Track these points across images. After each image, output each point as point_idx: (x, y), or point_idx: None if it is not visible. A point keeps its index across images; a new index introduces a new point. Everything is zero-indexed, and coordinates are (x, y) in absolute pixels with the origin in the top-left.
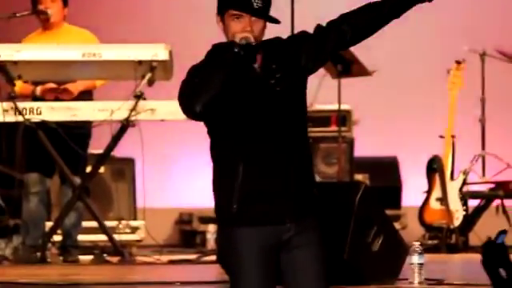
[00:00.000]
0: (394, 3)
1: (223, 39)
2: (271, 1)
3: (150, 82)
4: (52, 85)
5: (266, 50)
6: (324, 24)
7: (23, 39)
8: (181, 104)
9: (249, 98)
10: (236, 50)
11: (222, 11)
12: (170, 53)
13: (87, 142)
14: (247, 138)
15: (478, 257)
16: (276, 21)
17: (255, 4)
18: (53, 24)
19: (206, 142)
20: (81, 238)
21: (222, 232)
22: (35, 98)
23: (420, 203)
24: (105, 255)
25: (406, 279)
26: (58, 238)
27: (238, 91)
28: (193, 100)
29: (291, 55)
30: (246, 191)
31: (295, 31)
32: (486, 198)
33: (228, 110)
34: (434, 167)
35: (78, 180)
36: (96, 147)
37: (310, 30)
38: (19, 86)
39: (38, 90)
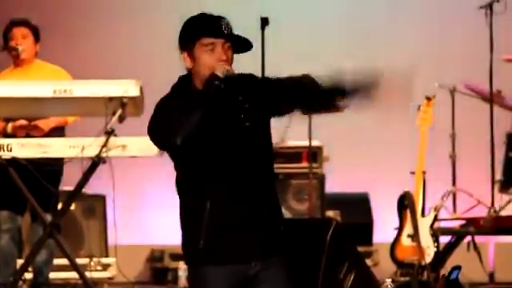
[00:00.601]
0: (318, 98)
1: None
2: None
3: (121, 119)
4: (23, 121)
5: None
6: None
7: None
8: (157, 137)
9: (218, 132)
10: (217, 83)
11: (189, 45)
12: (141, 89)
13: (59, 178)
14: (215, 173)
15: None
16: (249, 44)
17: (225, 30)
18: (24, 60)
19: None
20: (52, 275)
21: (190, 271)
22: (6, 135)
23: (391, 240)
24: None
25: None
26: (29, 275)
27: (208, 125)
28: (173, 133)
29: (258, 94)
30: (212, 228)
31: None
32: (457, 235)
33: (196, 144)
34: (405, 203)
35: (49, 217)
36: (67, 184)
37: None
38: None
39: (9, 126)
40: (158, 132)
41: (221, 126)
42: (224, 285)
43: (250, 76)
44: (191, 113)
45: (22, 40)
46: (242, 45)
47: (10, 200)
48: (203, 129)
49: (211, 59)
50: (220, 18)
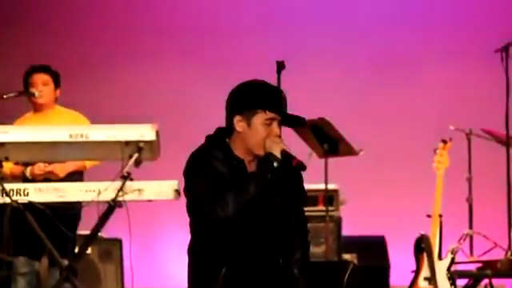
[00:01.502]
0: None
1: (209, 118)
2: None
3: (137, 163)
4: (41, 165)
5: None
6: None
7: (15, 121)
8: (208, 208)
9: (247, 209)
10: (275, 165)
11: (249, 112)
12: (157, 133)
13: (76, 223)
14: (234, 242)
15: None
16: (300, 121)
17: (284, 108)
18: (43, 106)
19: None
20: None
21: None
22: (25, 179)
23: (408, 283)
24: None
25: None
26: None
27: None
28: (228, 210)
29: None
30: None
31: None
32: (475, 278)
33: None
34: (421, 247)
35: (66, 262)
36: (83, 228)
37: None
38: (9, 167)
39: (28, 171)
40: (211, 203)
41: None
42: None
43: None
44: (248, 194)
45: (43, 87)
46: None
47: (26, 245)
48: None
49: (266, 132)
50: (281, 94)
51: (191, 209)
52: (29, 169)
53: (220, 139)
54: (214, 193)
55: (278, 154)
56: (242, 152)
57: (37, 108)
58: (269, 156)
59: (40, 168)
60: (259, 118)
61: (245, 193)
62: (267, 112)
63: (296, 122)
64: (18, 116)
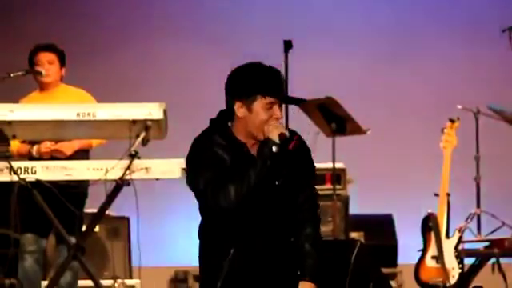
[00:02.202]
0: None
1: (217, 98)
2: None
3: (145, 141)
4: (47, 143)
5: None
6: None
7: (21, 99)
8: (211, 197)
9: (254, 190)
10: (274, 151)
11: (249, 97)
12: (165, 112)
13: (84, 201)
14: (243, 224)
15: None
16: (299, 101)
17: (284, 92)
18: (49, 84)
19: None
20: None
21: None
22: (32, 158)
23: (416, 261)
24: None
25: None
26: None
27: None
28: (231, 199)
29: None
30: (231, 274)
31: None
32: (482, 257)
33: None
34: (429, 225)
35: (73, 239)
36: (91, 206)
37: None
38: (16, 146)
39: (34, 149)
40: (213, 194)
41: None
42: None
43: (302, 145)
44: (250, 182)
45: (48, 65)
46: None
47: (34, 223)
48: None
49: (267, 115)
50: (279, 75)
51: (196, 197)
52: (35, 147)
53: (222, 124)
54: (216, 183)
55: (276, 138)
56: (244, 136)
57: (43, 87)
58: (267, 142)
59: (46, 146)
60: (259, 104)
61: (246, 182)
62: (267, 97)
63: (297, 101)
64: (23, 95)
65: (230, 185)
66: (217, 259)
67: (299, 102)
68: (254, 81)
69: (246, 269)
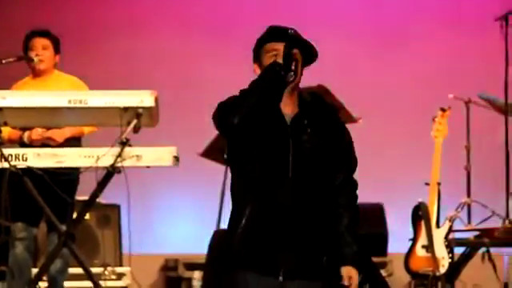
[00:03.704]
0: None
1: (209, 86)
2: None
3: (136, 129)
4: (39, 130)
5: (303, 107)
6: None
7: (13, 85)
8: (217, 117)
9: (275, 145)
10: (277, 69)
11: (258, 55)
12: (156, 99)
13: (74, 188)
14: (261, 183)
15: None
16: (312, 54)
17: (290, 31)
18: (42, 71)
19: (192, 188)
20: (67, 284)
21: (223, 277)
22: (23, 144)
23: (406, 250)
24: None
25: None
26: (43, 284)
27: (269, 136)
28: (232, 113)
29: (326, 130)
30: (248, 235)
31: None
32: (472, 246)
33: (254, 151)
34: (419, 214)
35: (64, 227)
36: (81, 193)
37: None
38: (7, 132)
39: (25, 136)
40: (219, 113)
41: (280, 140)
42: None
43: (333, 111)
44: (249, 95)
45: (42, 51)
46: (308, 54)
47: (25, 211)
48: (260, 137)
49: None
50: (286, 28)
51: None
52: (26, 133)
53: None
54: (223, 107)
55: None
56: None
57: (36, 73)
58: (272, 62)
59: (38, 133)
60: (264, 56)
61: (247, 97)
62: (267, 45)
63: (300, 43)
64: (16, 80)
65: (233, 103)
66: (235, 221)
67: (302, 44)
68: (259, 38)
69: (264, 228)
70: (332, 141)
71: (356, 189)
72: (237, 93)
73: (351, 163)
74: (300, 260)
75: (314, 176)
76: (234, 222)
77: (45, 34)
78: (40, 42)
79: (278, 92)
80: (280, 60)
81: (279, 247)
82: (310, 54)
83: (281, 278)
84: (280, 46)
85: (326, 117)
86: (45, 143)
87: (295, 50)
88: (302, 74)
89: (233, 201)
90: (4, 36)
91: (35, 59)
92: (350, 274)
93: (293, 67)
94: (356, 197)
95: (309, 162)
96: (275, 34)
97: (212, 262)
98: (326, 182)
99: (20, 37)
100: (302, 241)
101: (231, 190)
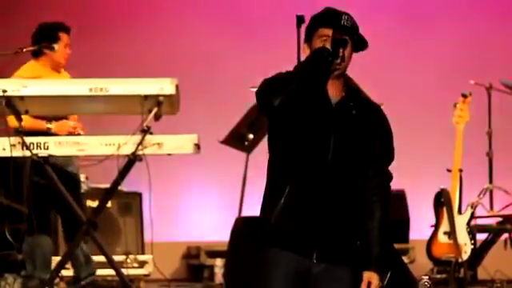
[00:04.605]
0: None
1: (229, 74)
2: (357, 27)
3: (157, 117)
4: (70, 123)
5: (350, 93)
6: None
7: (19, 70)
8: (259, 96)
9: (319, 125)
10: (325, 55)
11: (309, 37)
12: (177, 87)
13: (78, 178)
14: (304, 162)
15: None
16: (363, 42)
17: (343, 21)
18: (62, 66)
19: (213, 176)
20: None
21: (257, 253)
22: (45, 133)
23: (428, 237)
24: None
25: None
26: (66, 272)
27: (312, 118)
28: (274, 93)
29: (369, 117)
30: (285, 212)
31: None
32: (494, 232)
33: (295, 132)
34: (441, 201)
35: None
36: (103, 182)
37: None
38: (29, 121)
39: (54, 127)
40: (262, 90)
41: (324, 122)
42: (284, 269)
43: (381, 115)
44: (294, 76)
45: (68, 49)
46: (359, 43)
47: (46, 199)
48: (303, 118)
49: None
50: (341, 13)
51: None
52: (55, 125)
53: None
54: (266, 85)
55: (327, 45)
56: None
57: (54, 66)
58: (320, 47)
59: (70, 126)
60: (315, 40)
61: (291, 79)
62: (320, 29)
63: (360, 43)
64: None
65: (276, 83)
66: (273, 197)
67: (354, 32)
68: (312, 20)
69: (302, 208)
70: (373, 128)
71: (390, 180)
72: (261, 79)
73: (389, 153)
74: (333, 243)
75: (353, 161)
76: (271, 200)
77: (69, 31)
78: (68, 39)
79: (322, 77)
80: (328, 45)
81: (314, 228)
82: (360, 42)
83: (314, 260)
84: (331, 32)
85: (370, 106)
86: (71, 132)
87: (345, 37)
88: (350, 61)
89: (269, 180)
90: (13, 23)
91: (56, 47)
92: (370, 279)
93: (340, 54)
94: (389, 189)
95: (348, 146)
96: (329, 18)
97: (235, 248)
98: (363, 168)
99: (29, 25)
100: (336, 224)
101: (268, 170)
